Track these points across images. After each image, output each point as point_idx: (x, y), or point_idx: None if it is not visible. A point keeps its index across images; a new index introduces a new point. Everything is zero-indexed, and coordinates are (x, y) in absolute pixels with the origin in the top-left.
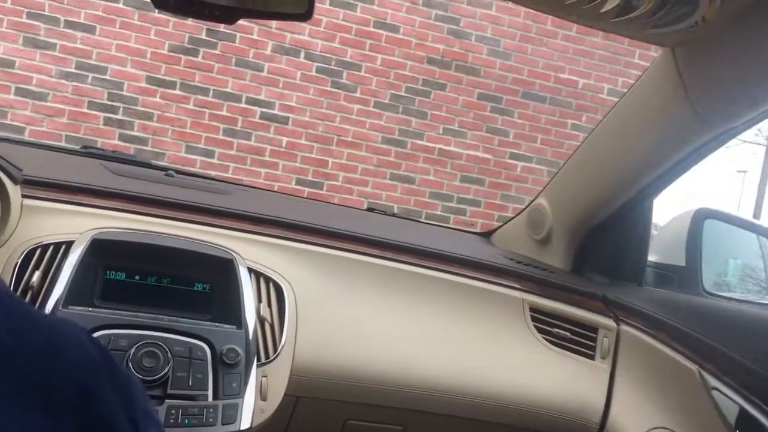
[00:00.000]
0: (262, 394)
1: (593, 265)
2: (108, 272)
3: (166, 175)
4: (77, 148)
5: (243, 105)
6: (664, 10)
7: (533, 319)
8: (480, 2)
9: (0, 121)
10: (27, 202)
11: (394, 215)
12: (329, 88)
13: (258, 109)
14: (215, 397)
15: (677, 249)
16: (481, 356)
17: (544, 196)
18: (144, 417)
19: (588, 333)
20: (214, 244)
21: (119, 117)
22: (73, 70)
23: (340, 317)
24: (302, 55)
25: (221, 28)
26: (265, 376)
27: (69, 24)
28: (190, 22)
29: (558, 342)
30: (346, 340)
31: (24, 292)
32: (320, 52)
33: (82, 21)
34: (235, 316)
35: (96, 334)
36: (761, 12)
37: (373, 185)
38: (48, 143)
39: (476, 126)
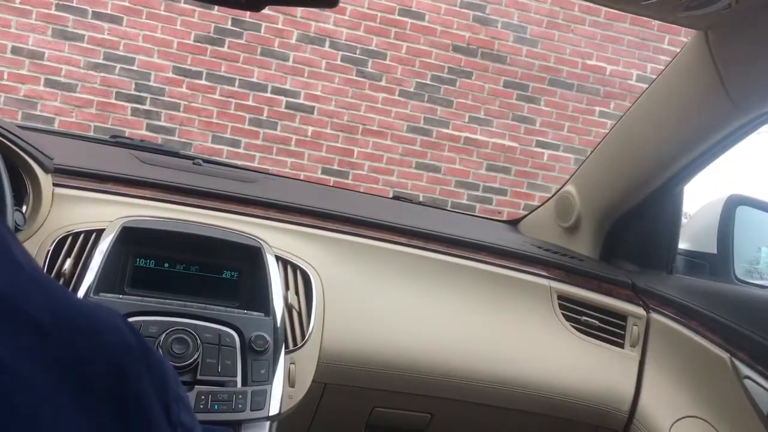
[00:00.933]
0: (290, 381)
1: (622, 253)
2: (138, 260)
3: (194, 164)
4: (106, 137)
5: (268, 95)
6: None
7: (561, 307)
8: None
9: (30, 112)
10: (58, 190)
11: (420, 203)
12: (354, 77)
13: (284, 99)
14: (244, 383)
15: (708, 236)
16: (509, 344)
17: (572, 184)
18: (176, 401)
19: (617, 321)
20: (241, 232)
21: (146, 107)
22: (101, 61)
23: (367, 305)
24: (327, 43)
25: (247, 17)
26: (293, 363)
27: (96, 15)
28: (216, 11)
29: (587, 330)
30: (373, 328)
31: (56, 280)
32: (345, 40)
33: (109, 12)
34: (264, 304)
35: None
36: None
37: (398, 174)
38: (77, 133)
39: (502, 114)
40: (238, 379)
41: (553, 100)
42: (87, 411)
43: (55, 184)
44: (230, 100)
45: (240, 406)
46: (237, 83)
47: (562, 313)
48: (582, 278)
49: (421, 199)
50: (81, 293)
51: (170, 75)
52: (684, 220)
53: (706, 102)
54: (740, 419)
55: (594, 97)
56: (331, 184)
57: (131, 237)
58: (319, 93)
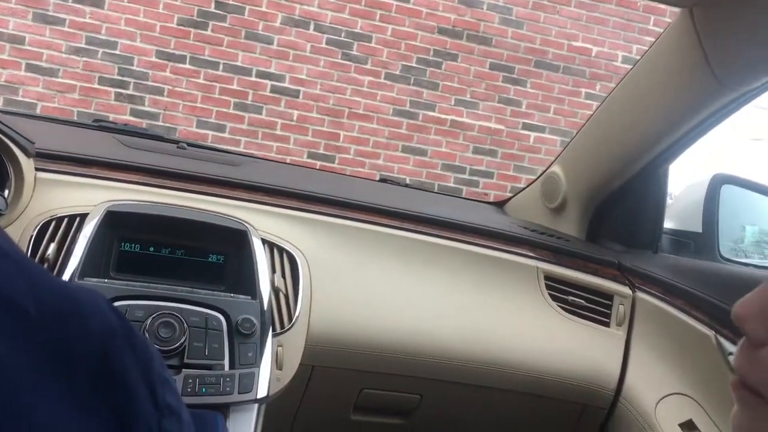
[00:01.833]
0: (278, 364)
1: (608, 233)
2: (123, 244)
3: (178, 147)
4: (89, 122)
5: (253, 78)
6: None
7: (548, 287)
8: None
9: (12, 98)
10: (40, 175)
11: (407, 186)
12: (340, 60)
13: (268, 83)
14: (231, 366)
15: (693, 215)
16: (497, 325)
17: (558, 165)
18: (162, 383)
19: (603, 300)
20: (227, 215)
21: (130, 92)
22: (83, 45)
23: (355, 287)
24: (312, 26)
25: (230, 0)
26: (281, 346)
27: None
28: None
29: (573, 310)
30: (361, 310)
31: (40, 265)
32: (330, 23)
33: None
34: (250, 287)
35: None
36: None
37: (384, 158)
38: (60, 118)
39: (488, 96)
40: (226, 362)
41: (539, 82)
42: (72, 395)
43: (37, 169)
44: (214, 84)
45: (228, 389)
46: (221, 67)
47: (549, 293)
48: (568, 258)
49: (408, 182)
50: (66, 278)
51: (153, 59)
52: (669, 200)
53: (691, 80)
54: (725, 395)
55: (580, 79)
56: (317, 168)
57: (116, 221)
58: (304, 77)
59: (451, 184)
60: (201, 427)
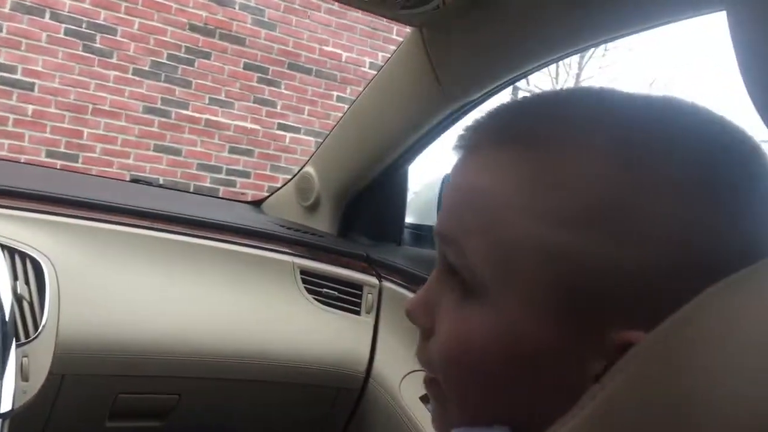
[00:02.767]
0: (23, 375)
1: (358, 228)
2: None
3: None
4: None
5: None
6: None
7: (304, 281)
8: None
9: None
10: None
11: (161, 186)
12: (81, 52)
13: None
14: None
15: (430, 210)
16: (253, 320)
17: (311, 165)
18: None
19: (354, 291)
20: None
21: None
22: None
23: (106, 291)
24: (48, 15)
25: None
26: (26, 356)
27: None
28: None
29: (327, 301)
30: (114, 314)
31: None
32: (69, 12)
33: None
34: None
35: None
36: None
37: (135, 157)
38: None
39: (244, 96)
40: None
41: (293, 83)
42: None
43: None
44: None
45: None
46: None
47: (305, 287)
48: (322, 253)
49: (161, 182)
50: None
51: None
52: (411, 197)
53: (420, 91)
54: None
55: (331, 83)
56: (58, 168)
57: None
58: (39, 68)
59: (208, 184)
60: None
